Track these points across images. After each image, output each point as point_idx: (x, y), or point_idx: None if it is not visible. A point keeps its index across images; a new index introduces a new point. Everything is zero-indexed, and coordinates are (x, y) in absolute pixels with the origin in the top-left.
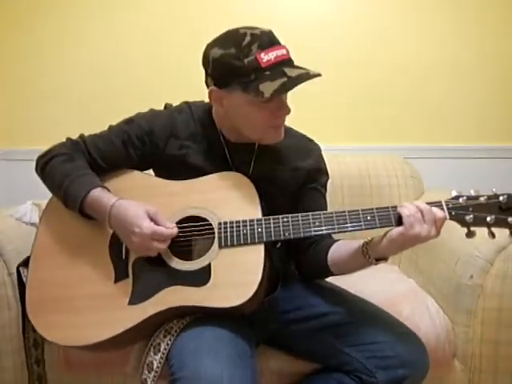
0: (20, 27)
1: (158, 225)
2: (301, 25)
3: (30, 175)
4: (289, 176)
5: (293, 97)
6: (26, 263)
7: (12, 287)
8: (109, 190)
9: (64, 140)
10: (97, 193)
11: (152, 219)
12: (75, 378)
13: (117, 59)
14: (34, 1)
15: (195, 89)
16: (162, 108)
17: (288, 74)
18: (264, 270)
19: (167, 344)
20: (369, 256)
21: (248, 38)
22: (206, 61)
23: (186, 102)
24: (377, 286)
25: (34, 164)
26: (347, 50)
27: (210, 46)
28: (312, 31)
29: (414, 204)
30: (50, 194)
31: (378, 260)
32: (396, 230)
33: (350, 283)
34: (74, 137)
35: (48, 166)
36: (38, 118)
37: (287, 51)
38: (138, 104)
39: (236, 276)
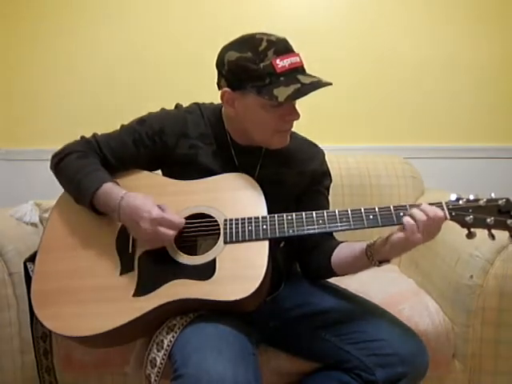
0: (21, 29)
1: None
2: (301, 25)
3: (30, 175)
4: (294, 180)
5: None
6: (32, 258)
7: (12, 287)
8: (119, 185)
9: (71, 139)
10: (108, 187)
11: (160, 209)
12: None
13: (118, 60)
14: (35, 2)
15: (194, 90)
16: (172, 108)
17: (301, 81)
18: (268, 264)
19: (170, 341)
20: (372, 258)
21: (264, 44)
22: (221, 62)
23: (196, 103)
24: (377, 285)
25: (34, 164)
26: (348, 51)
27: (225, 49)
28: (312, 31)
29: (416, 208)
30: (50, 194)
31: (381, 262)
32: (398, 235)
33: (351, 283)
34: (86, 135)
35: (62, 162)
36: (38, 119)
37: (300, 59)
38: (138, 104)
39: (240, 270)
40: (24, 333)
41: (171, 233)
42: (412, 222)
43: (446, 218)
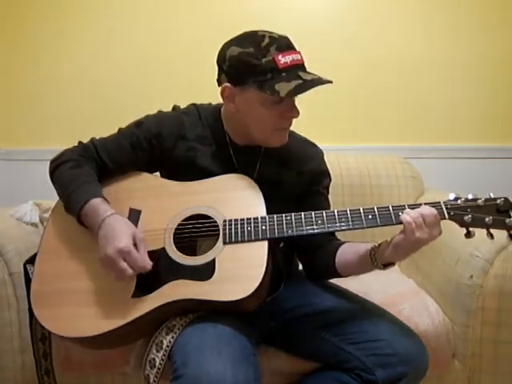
0: (20, 27)
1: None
2: (301, 25)
3: (30, 175)
4: (293, 180)
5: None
6: (32, 260)
7: (12, 287)
8: (108, 202)
9: (71, 139)
10: (97, 203)
11: (135, 244)
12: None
13: (116, 60)
14: (36, 3)
15: (195, 90)
16: (169, 109)
17: (303, 77)
18: (267, 264)
19: (169, 341)
20: (376, 262)
21: (267, 40)
22: (222, 58)
23: (194, 104)
24: (377, 285)
25: (34, 164)
26: (348, 51)
27: (227, 45)
28: (312, 31)
29: (415, 210)
30: (50, 194)
31: (386, 265)
32: (399, 237)
33: (351, 283)
34: (82, 140)
35: (56, 171)
36: (38, 118)
37: (301, 57)
38: (139, 104)
39: (240, 270)
40: (24, 332)
41: (129, 272)
42: (409, 220)
43: (444, 218)
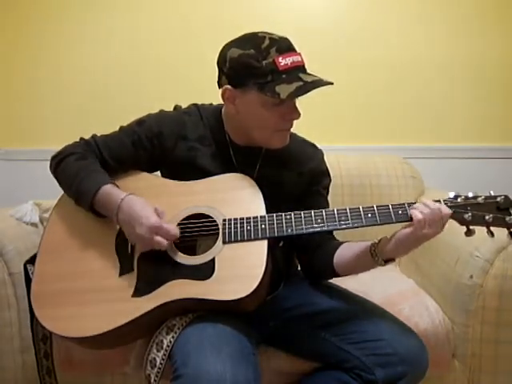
0: (20, 27)
1: None
2: (303, 25)
3: (30, 175)
4: (293, 180)
5: None
6: (32, 260)
7: (12, 287)
8: (118, 188)
9: (72, 139)
10: (108, 188)
11: (158, 216)
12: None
13: (116, 60)
14: (36, 3)
15: (195, 90)
16: (171, 109)
17: (303, 79)
18: (267, 263)
19: (170, 341)
20: (377, 258)
21: (267, 42)
22: (223, 60)
23: (195, 104)
24: (377, 285)
25: (34, 164)
26: (348, 52)
27: (227, 46)
28: (311, 32)
29: (423, 203)
30: (50, 194)
31: (387, 261)
32: (405, 232)
33: (350, 283)
34: (86, 135)
35: (62, 164)
36: (38, 118)
37: (302, 58)
38: (140, 104)
39: (239, 270)
40: (24, 332)
41: (165, 243)
42: (420, 216)
43: (450, 214)
